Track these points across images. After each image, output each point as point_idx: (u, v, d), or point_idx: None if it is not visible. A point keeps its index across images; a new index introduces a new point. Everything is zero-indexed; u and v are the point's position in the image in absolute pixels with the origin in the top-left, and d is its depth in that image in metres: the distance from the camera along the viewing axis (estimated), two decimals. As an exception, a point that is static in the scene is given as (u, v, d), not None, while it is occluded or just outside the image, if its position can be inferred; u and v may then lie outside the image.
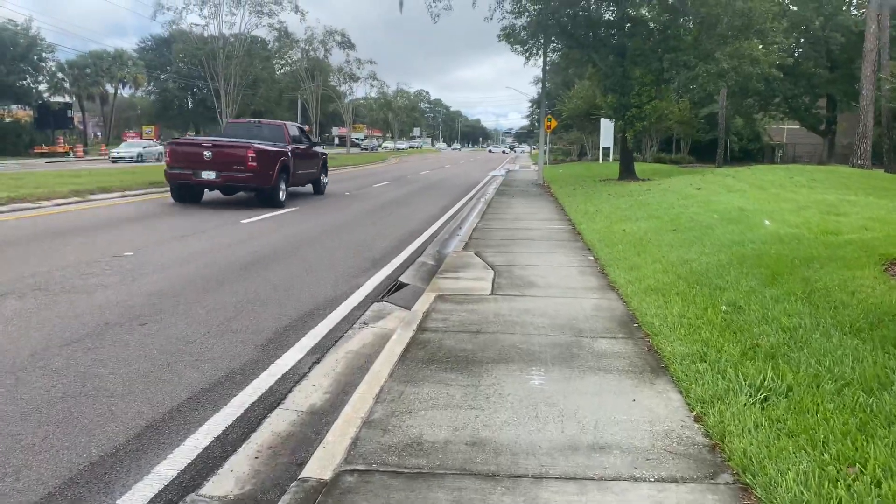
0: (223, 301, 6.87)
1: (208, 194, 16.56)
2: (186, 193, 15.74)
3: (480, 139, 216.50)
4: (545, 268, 8.60)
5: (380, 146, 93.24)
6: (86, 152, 52.25)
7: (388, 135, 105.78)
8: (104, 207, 14.61)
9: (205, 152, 14.93)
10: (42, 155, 47.02)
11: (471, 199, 20.84)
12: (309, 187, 19.69)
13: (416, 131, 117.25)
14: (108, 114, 66.72)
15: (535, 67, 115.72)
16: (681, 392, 4.33)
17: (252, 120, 22.20)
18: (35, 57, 45.95)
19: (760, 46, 23.35)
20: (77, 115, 63.50)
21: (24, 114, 55.06)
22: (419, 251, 10.68)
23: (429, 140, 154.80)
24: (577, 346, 5.30)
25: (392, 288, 8.01)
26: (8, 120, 52.38)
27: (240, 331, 5.90)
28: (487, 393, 4.29)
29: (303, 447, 3.84)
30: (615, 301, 6.76)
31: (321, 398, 4.60)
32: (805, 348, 4.68)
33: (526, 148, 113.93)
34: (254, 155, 14.94)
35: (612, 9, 25.91)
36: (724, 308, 5.80)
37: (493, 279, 7.84)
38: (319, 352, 5.50)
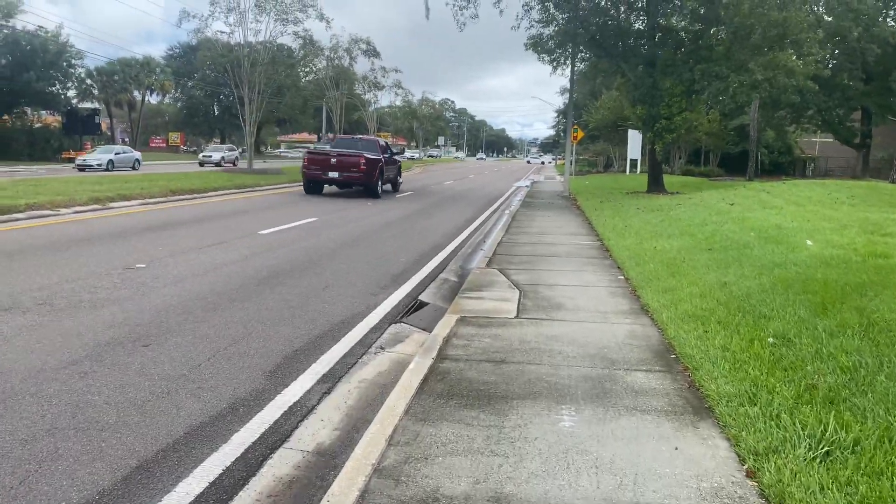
0: (234, 319, 6.53)
1: (232, 206, 16.31)
2: (316, 187, 22.39)
3: (505, 149, 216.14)
4: (573, 288, 8.15)
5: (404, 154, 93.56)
6: (113, 158, 52.74)
7: (413, 143, 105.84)
8: (123, 215, 14.43)
9: (332, 159, 21.55)
10: (70, 160, 47.49)
11: (495, 210, 20.43)
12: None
13: (441, 140, 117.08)
14: (135, 120, 67.37)
15: (563, 77, 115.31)
16: (729, 440, 3.87)
17: (354, 136, 30.46)
18: (64, 63, 46.48)
19: (795, 57, 22.71)
20: (105, 121, 64.25)
21: (53, 119, 55.74)
22: (441, 266, 10.28)
23: (453, 149, 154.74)
24: (610, 379, 4.86)
25: (411, 307, 7.62)
26: (38, 125, 53.06)
27: (248, 354, 5.53)
28: (512, 436, 3.87)
29: (306, 496, 3.45)
30: (649, 327, 6.30)
31: (330, 436, 4.20)
32: (869, 392, 4.19)
33: (547, 158, 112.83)
34: (364, 161, 21.48)
35: (642, 18, 25.47)
36: (771, 340, 5.32)
37: (519, 300, 7.42)
38: (331, 380, 5.12)
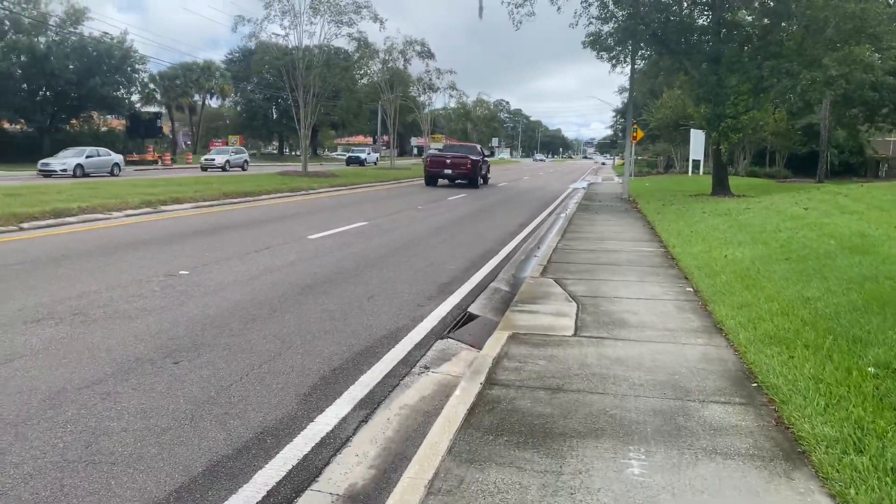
0: (271, 332, 6.15)
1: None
2: (433, 180, 30.27)
3: (560, 149, 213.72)
4: (637, 301, 7.51)
5: None
6: (173, 161, 53.97)
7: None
8: (173, 219, 14.38)
9: (447, 160, 29.67)
10: (132, 163, 48.71)
11: (550, 213, 19.77)
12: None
13: (495, 141, 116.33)
14: (196, 124, 68.89)
15: (622, 75, 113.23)
16: (833, 498, 3.24)
17: (459, 143, 44.94)
18: (128, 68, 47.70)
19: (873, 52, 21.34)
20: (167, 125, 65.90)
21: (117, 123, 57.38)
22: (492, 275, 9.75)
23: (507, 150, 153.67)
24: (683, 413, 4.25)
25: (460, 320, 7.12)
26: (104, 129, 54.69)
27: (282, 373, 5.12)
28: (572, 486, 3.33)
29: (331, 554, 2.98)
30: (725, 349, 5.64)
31: (364, 475, 3.73)
32: None
33: (599, 158, 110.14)
34: (469, 162, 29.45)
35: (706, 13, 24.42)
36: (872, 370, 4.62)
37: (577, 315, 6.83)
38: (369, 405, 4.66)
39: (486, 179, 33.52)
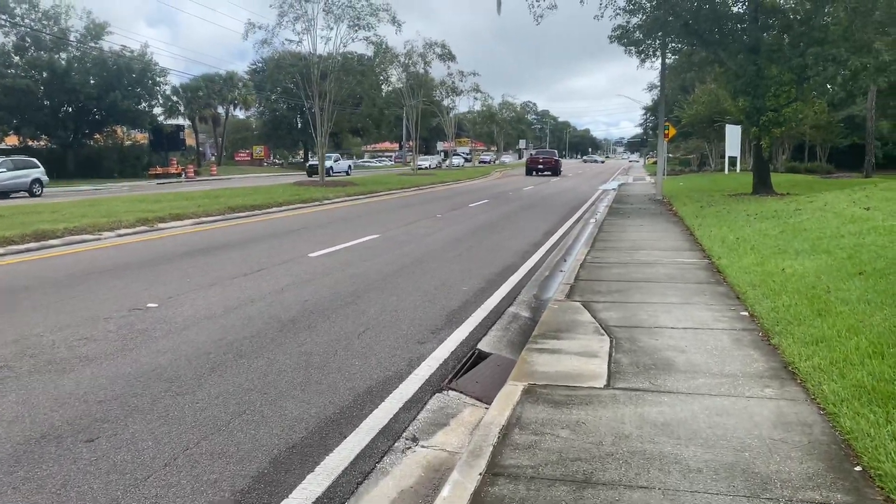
0: (228, 389, 4.96)
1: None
2: (532, 171, 49.46)
3: (589, 149, 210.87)
4: (683, 332, 6.18)
5: (496, 160, 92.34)
6: (197, 173, 53.57)
7: (493, 148, 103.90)
8: (168, 238, 13.36)
9: (539, 158, 51.74)
10: (156, 176, 48.37)
11: (578, 219, 18.39)
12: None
13: (522, 143, 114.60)
14: (220, 135, 68.66)
15: (652, 70, 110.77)
16: None
17: (545, 149, 75.88)
18: (149, 81, 47.33)
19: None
20: (192, 137, 65.75)
21: (142, 137, 57.21)
22: (511, 296, 8.48)
23: (535, 153, 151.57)
24: (766, 525, 2.94)
25: (467, 362, 5.86)
26: (128, 143, 54.51)
27: (222, 455, 3.93)
28: None
29: None
30: (805, 406, 4.30)
31: None
32: None
33: (629, 156, 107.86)
34: (552, 160, 51.29)
35: (741, 0, 22.81)
36: None
37: (610, 354, 5.53)
38: (327, 508, 3.42)
39: (558, 172, 51.84)
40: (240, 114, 77.75)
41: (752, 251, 9.84)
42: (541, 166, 49.68)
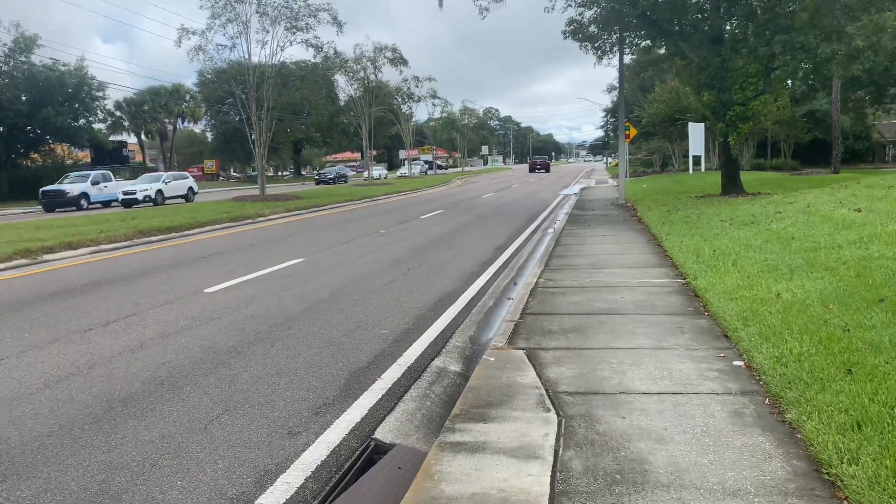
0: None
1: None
2: (533, 170, 73.93)
3: (553, 153, 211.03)
4: (658, 400, 4.44)
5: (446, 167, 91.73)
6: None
7: (458, 155, 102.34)
8: (48, 272, 11.30)
9: (538, 161, 78.22)
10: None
11: (536, 229, 16.68)
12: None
13: (485, 149, 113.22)
14: (168, 149, 65.90)
15: (610, 67, 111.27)
16: None
17: (541, 154, 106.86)
18: (86, 97, 44.62)
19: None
20: (140, 154, 62.94)
21: (84, 155, 54.45)
22: (441, 340, 6.68)
23: (500, 158, 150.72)
24: None
25: (352, 467, 4.02)
26: (69, 162, 51.68)
27: None
28: None
29: None
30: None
31: None
32: None
33: (590, 160, 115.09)
34: (546, 162, 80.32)
35: (701, -12, 21.41)
36: None
37: (556, 453, 3.75)
38: None
39: (549, 169, 76.33)
40: (196, 127, 75.04)
41: (735, 268, 8.16)
42: (538, 166, 74.85)
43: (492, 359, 5.65)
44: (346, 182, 52.76)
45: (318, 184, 53.38)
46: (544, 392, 4.75)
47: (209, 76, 60.68)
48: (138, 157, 62.88)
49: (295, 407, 4.90)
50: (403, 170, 74.52)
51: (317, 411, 4.83)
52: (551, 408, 4.45)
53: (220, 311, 8.04)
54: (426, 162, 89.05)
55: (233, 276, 10.34)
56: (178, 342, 6.66)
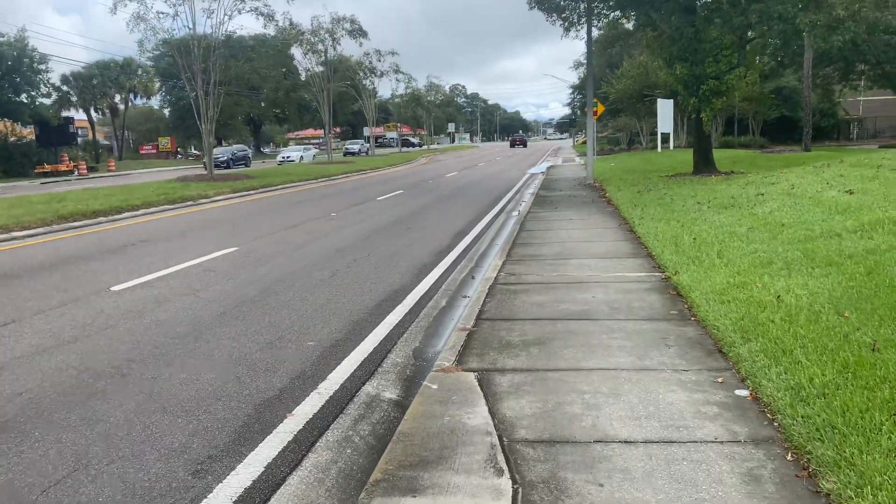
0: None
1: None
2: (513, 146, 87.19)
3: (520, 131, 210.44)
4: (645, 452, 3.36)
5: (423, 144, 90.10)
6: (93, 169, 48.62)
7: (423, 133, 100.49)
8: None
9: (517, 138, 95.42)
10: (44, 174, 43.40)
11: (500, 212, 15.56)
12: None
13: (451, 127, 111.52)
14: (119, 127, 63.10)
15: (578, 41, 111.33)
16: None
17: (520, 133, 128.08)
18: (26, 70, 41.98)
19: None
20: (91, 130, 60.13)
21: (29, 132, 51.64)
22: (378, 355, 5.53)
23: (467, 136, 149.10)
24: None
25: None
26: (12, 139, 48.92)
27: None
28: None
29: None
30: None
31: None
32: None
33: (556, 135, 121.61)
34: (525, 139, 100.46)
35: (672, -46, 20.28)
36: None
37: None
38: None
39: (526, 144, 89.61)
40: (152, 103, 71.98)
41: (721, 261, 7.12)
42: (518, 142, 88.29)
43: (434, 386, 4.51)
44: (246, 166, 43.00)
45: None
46: (497, 441, 3.62)
47: (152, 48, 58.16)
48: (90, 135, 59.97)
49: (169, 465, 3.70)
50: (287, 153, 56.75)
51: (196, 470, 3.63)
52: (504, 468, 3.32)
53: (120, 316, 6.75)
54: (405, 139, 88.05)
55: (150, 270, 9.02)
56: (52, 362, 5.38)
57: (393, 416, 4.44)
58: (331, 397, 4.66)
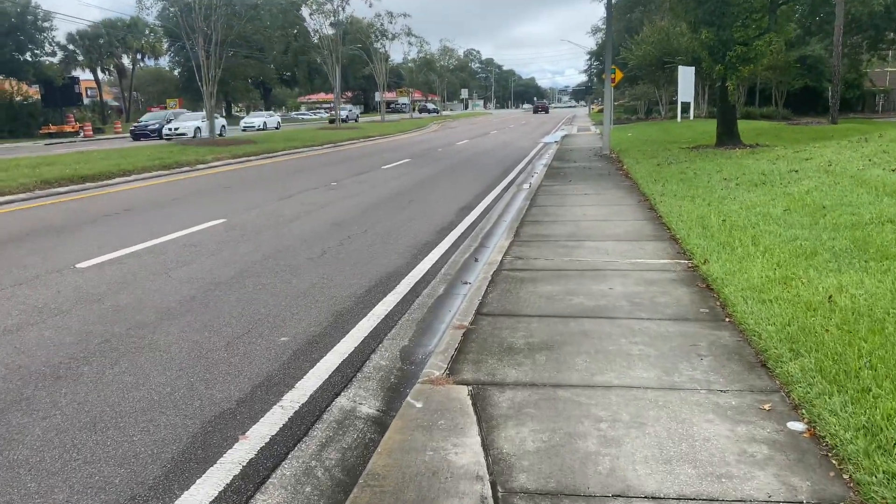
0: None
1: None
2: (537, 112, 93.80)
3: (535, 98, 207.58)
4: (683, 529, 2.56)
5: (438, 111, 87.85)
6: (100, 130, 47.94)
7: (436, 98, 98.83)
8: None
9: (539, 106, 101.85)
10: (49, 135, 42.81)
11: (510, 184, 14.68)
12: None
13: (465, 93, 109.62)
14: (127, 87, 62.17)
15: (597, 3, 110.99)
16: None
17: (543, 100, 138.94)
18: (29, 27, 41.08)
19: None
20: (109, 92, 59.27)
21: (35, 92, 50.91)
22: (362, 354, 4.77)
23: (481, 102, 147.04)
24: None
25: None
26: (18, 99, 48.21)
27: None
28: None
29: None
30: None
31: None
32: None
33: (572, 103, 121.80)
34: (547, 105, 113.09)
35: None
36: None
37: None
38: None
39: (549, 111, 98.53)
40: (161, 63, 70.82)
41: (757, 249, 6.27)
42: (540, 109, 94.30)
43: (419, 404, 3.74)
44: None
45: (134, 139, 37.67)
46: (489, 492, 2.86)
47: (151, 4, 56.74)
48: (107, 96, 59.16)
49: (118, 488, 2.97)
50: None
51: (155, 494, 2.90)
52: (496, 537, 2.56)
53: (78, 299, 6.02)
54: (423, 106, 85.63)
55: (125, 244, 8.28)
56: (20, 339, 4.67)
57: (369, 439, 3.69)
58: (296, 412, 3.91)
